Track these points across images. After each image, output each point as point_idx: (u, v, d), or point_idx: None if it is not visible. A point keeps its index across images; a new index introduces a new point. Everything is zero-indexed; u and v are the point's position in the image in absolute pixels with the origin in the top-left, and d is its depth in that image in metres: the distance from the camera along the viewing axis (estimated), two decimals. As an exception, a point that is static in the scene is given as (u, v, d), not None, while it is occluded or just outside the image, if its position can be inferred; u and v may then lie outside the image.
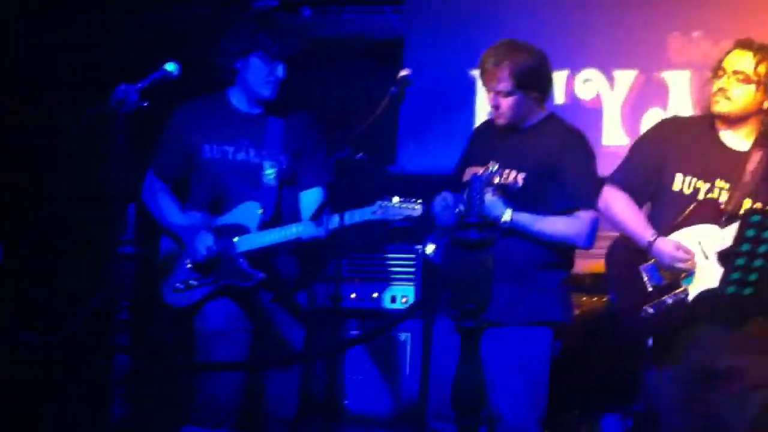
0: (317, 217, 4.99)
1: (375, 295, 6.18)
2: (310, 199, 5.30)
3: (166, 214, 5.32)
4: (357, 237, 5.26)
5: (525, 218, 4.81)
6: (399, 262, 6.19)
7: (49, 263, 6.45)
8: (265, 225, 5.20)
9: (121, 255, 4.87)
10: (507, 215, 4.78)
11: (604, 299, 5.81)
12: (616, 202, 4.89)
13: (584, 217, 4.86)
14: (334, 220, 4.93)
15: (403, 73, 4.93)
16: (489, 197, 4.63)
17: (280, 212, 5.26)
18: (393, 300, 6.17)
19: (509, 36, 4.97)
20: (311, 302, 5.50)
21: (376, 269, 6.22)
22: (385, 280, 6.20)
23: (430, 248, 4.85)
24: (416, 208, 4.92)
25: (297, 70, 5.26)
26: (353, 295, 6.19)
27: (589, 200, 4.88)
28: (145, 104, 4.70)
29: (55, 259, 6.48)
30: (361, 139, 4.76)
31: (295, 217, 5.25)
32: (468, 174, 4.84)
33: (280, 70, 5.23)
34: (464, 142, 5.23)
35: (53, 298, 5.84)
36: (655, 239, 4.76)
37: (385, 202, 4.93)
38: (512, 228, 4.78)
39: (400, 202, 4.90)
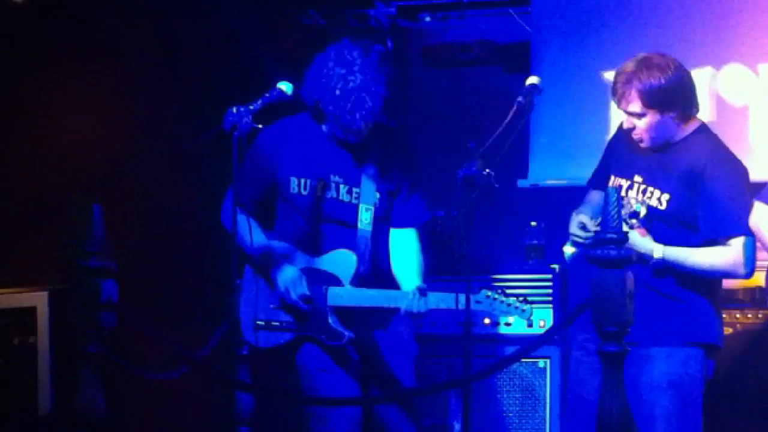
0: (419, 292, 4.81)
1: (510, 319, 5.89)
2: (402, 238, 5.04)
3: (249, 238, 4.95)
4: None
5: (677, 253, 4.63)
6: (534, 282, 5.96)
7: (166, 293, 6.35)
8: (359, 278, 4.96)
9: (239, 286, 4.85)
10: (658, 251, 4.61)
11: (760, 315, 5.68)
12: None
13: (739, 244, 4.61)
14: (436, 300, 4.79)
15: (531, 80, 4.74)
16: (635, 234, 4.53)
17: (377, 262, 5.02)
18: (529, 324, 5.78)
19: (642, 35, 4.86)
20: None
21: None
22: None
23: (569, 249, 4.71)
24: (525, 310, 4.78)
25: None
26: (486, 321, 5.95)
27: (743, 224, 4.63)
28: (260, 126, 4.60)
29: (171, 289, 6.39)
30: (488, 152, 4.53)
31: (385, 254, 5.02)
32: (610, 184, 4.72)
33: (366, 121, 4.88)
34: (600, 150, 5.04)
35: (171, 332, 5.62)
36: None
37: (493, 295, 4.79)
38: (664, 265, 4.61)
39: (507, 299, 4.79)
